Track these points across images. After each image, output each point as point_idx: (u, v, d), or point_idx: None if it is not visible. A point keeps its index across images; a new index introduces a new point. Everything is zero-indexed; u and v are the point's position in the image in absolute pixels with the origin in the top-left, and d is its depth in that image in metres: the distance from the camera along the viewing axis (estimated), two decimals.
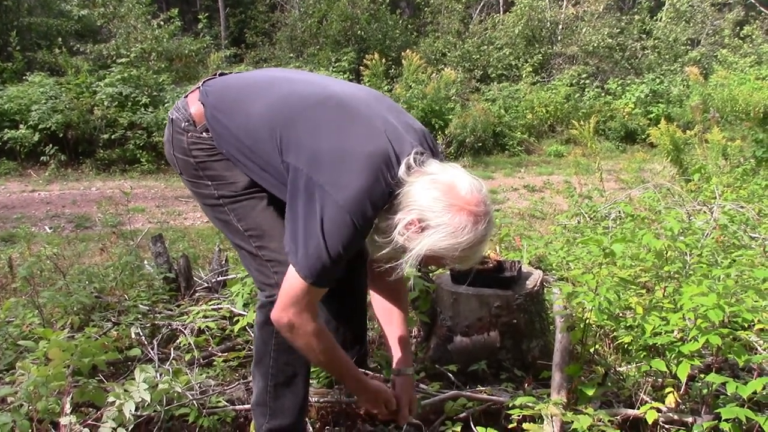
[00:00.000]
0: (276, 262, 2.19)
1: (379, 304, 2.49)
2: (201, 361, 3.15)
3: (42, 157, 12.39)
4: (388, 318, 2.46)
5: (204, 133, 2.22)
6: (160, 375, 2.68)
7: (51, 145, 12.40)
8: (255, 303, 3.21)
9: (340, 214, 1.91)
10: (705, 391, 2.44)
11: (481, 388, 2.73)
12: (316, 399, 2.65)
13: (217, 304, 3.70)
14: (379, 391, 2.33)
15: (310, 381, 2.50)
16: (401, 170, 1.95)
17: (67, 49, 16.21)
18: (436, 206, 1.89)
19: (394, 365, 2.43)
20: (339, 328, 2.69)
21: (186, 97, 2.31)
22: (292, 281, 2.01)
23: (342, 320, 2.71)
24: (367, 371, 2.83)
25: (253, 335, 3.16)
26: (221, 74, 2.40)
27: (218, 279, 4.14)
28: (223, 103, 2.21)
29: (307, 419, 2.53)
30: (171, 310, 3.76)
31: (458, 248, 1.90)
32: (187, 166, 2.27)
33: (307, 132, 2.03)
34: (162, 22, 17.44)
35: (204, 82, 2.32)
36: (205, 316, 3.52)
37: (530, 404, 2.29)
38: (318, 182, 1.93)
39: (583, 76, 20.09)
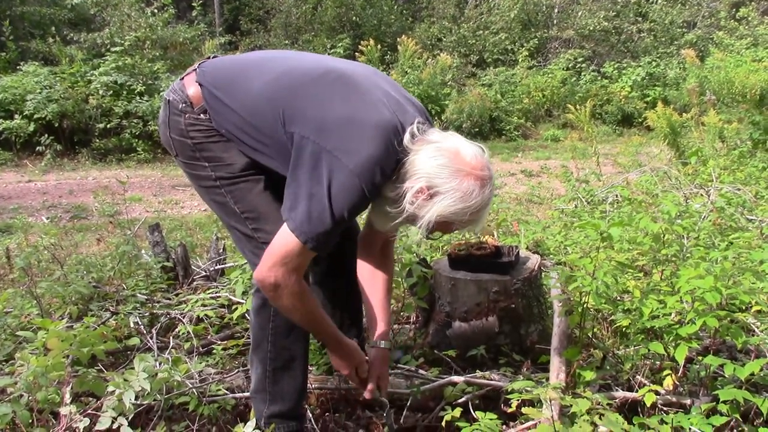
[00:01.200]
0: None
1: (365, 272, 2.49)
2: (200, 349, 3.16)
3: (38, 147, 12.35)
4: (372, 287, 2.48)
5: (201, 115, 2.22)
6: (160, 364, 2.68)
7: (46, 135, 12.37)
8: (252, 288, 3.23)
9: (349, 179, 1.93)
10: (703, 373, 2.44)
11: (480, 373, 2.74)
12: (315, 386, 2.66)
13: (216, 292, 3.70)
14: (354, 354, 2.33)
15: (309, 368, 2.51)
16: (406, 138, 2.00)
17: (61, 38, 16.14)
18: (444, 173, 1.95)
19: (370, 336, 2.44)
20: (335, 311, 2.69)
21: (182, 79, 2.30)
22: (285, 241, 2.00)
23: (338, 304, 2.71)
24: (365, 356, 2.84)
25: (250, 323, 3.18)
26: (215, 57, 2.41)
27: (216, 267, 4.14)
28: (222, 82, 2.22)
29: (306, 406, 2.53)
30: (169, 299, 3.76)
31: (467, 212, 1.97)
32: (184, 147, 2.26)
33: (312, 103, 2.05)
34: (156, 10, 17.33)
35: (199, 64, 2.32)
36: (203, 305, 3.52)
37: (529, 388, 2.30)
38: (326, 148, 1.96)
39: (579, 59, 20.05)
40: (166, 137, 2.32)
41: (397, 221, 2.06)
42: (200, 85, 2.23)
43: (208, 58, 2.40)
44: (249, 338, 3.15)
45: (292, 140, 2.03)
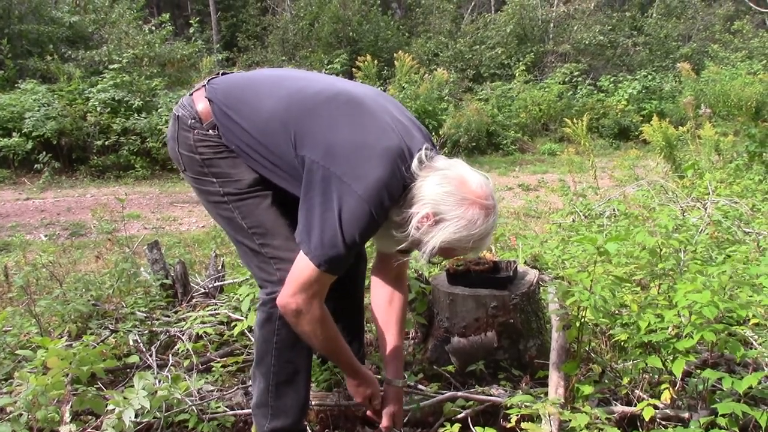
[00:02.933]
0: (278, 260, 2.21)
1: (379, 299, 2.53)
2: (199, 366, 3.15)
3: (36, 165, 12.37)
4: (386, 316, 2.52)
5: (210, 131, 2.24)
6: (159, 381, 2.68)
7: (44, 153, 12.39)
8: (256, 303, 3.23)
9: (358, 204, 1.98)
10: (701, 386, 2.45)
11: (479, 388, 2.74)
12: (315, 402, 2.66)
13: (215, 309, 3.70)
14: (369, 382, 2.39)
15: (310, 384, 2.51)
16: (414, 164, 2.05)
17: (59, 56, 16.21)
18: (450, 200, 2.00)
19: (386, 373, 2.48)
20: (338, 326, 2.69)
21: (191, 94, 2.32)
22: (303, 268, 2.05)
23: (341, 318, 2.72)
24: None
25: (252, 339, 3.18)
26: (224, 74, 2.43)
27: (215, 284, 4.14)
28: (232, 100, 2.24)
29: (306, 422, 2.53)
30: (168, 317, 3.76)
31: (471, 240, 2.02)
32: (192, 163, 2.28)
33: (322, 126, 2.09)
34: (153, 27, 17.46)
35: (209, 80, 2.34)
36: (202, 322, 3.52)
37: (528, 403, 2.30)
38: (335, 173, 2.00)
39: (576, 73, 20.13)
40: (174, 152, 2.33)
41: (402, 245, 2.11)
42: (210, 101, 2.25)
43: (217, 74, 2.42)
44: (249, 355, 3.17)
45: (303, 163, 2.07)
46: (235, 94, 2.26)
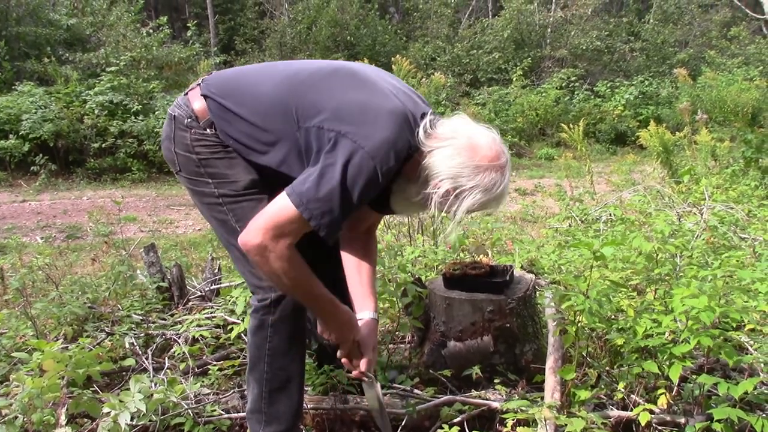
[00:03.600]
0: None
1: (350, 257, 2.49)
2: (196, 369, 3.15)
3: (32, 167, 12.37)
4: (357, 269, 2.47)
5: (207, 130, 2.22)
6: (155, 384, 2.68)
7: (41, 155, 12.39)
8: (250, 309, 3.23)
9: (365, 160, 1.95)
10: (697, 392, 2.45)
11: (476, 393, 2.75)
12: (311, 406, 2.65)
13: (211, 312, 3.70)
14: (352, 321, 2.28)
15: (305, 387, 2.50)
16: (420, 134, 2.06)
17: (56, 59, 16.21)
18: (465, 171, 2.03)
19: (356, 311, 2.38)
20: None
21: (186, 94, 2.31)
22: (282, 209, 1.98)
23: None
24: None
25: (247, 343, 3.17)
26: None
27: (211, 287, 4.14)
28: (228, 89, 2.23)
29: (302, 426, 2.53)
30: (164, 320, 3.75)
31: (493, 201, 2.08)
32: (188, 163, 2.26)
33: (326, 96, 2.09)
34: (151, 30, 17.46)
35: (203, 79, 2.33)
36: (198, 325, 3.52)
37: (524, 408, 2.30)
38: (342, 132, 1.98)
39: (573, 78, 20.17)
40: (170, 153, 2.31)
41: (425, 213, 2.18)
42: (205, 97, 2.24)
43: (210, 72, 2.42)
44: (245, 359, 3.16)
45: (308, 135, 2.06)
46: (231, 85, 2.26)
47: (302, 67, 2.24)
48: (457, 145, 2.04)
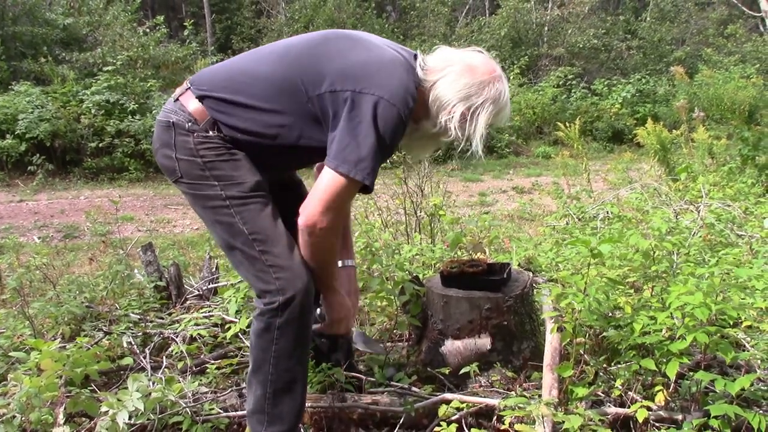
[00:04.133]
0: (278, 268, 2.20)
1: None
2: (193, 368, 3.15)
3: (29, 167, 12.35)
4: None
5: (210, 132, 2.23)
6: (153, 383, 2.68)
7: (38, 155, 12.37)
8: (249, 310, 3.23)
9: (389, 109, 2.10)
10: (694, 388, 2.46)
11: (473, 390, 2.75)
12: (309, 404, 2.65)
13: (209, 311, 3.70)
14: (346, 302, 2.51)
15: None
16: (419, 72, 2.23)
17: (53, 58, 16.18)
18: (472, 90, 2.20)
19: (339, 260, 2.55)
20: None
21: (176, 100, 2.30)
22: (332, 183, 2.11)
23: None
24: (358, 374, 2.85)
25: (248, 342, 3.18)
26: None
27: (209, 286, 4.14)
28: (222, 83, 2.26)
29: (301, 424, 2.53)
30: (162, 319, 3.75)
31: (504, 109, 2.27)
32: (191, 167, 2.24)
33: (326, 61, 2.19)
34: (148, 30, 17.45)
35: (189, 82, 2.32)
36: (196, 324, 3.52)
37: (522, 405, 2.31)
38: (356, 90, 2.10)
39: (570, 77, 20.18)
40: (169, 160, 2.28)
41: (440, 147, 2.43)
42: (201, 98, 2.24)
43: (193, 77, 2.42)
44: (243, 357, 3.17)
45: (321, 102, 2.15)
46: (222, 77, 2.28)
47: (291, 44, 2.32)
48: (456, 71, 2.20)
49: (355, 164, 2.08)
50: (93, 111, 13.15)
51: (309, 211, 2.14)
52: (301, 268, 2.24)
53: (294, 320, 2.22)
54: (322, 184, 2.13)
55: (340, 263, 2.53)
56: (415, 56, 2.29)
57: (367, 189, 2.17)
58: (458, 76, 2.20)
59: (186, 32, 19.02)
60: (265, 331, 2.24)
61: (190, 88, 2.29)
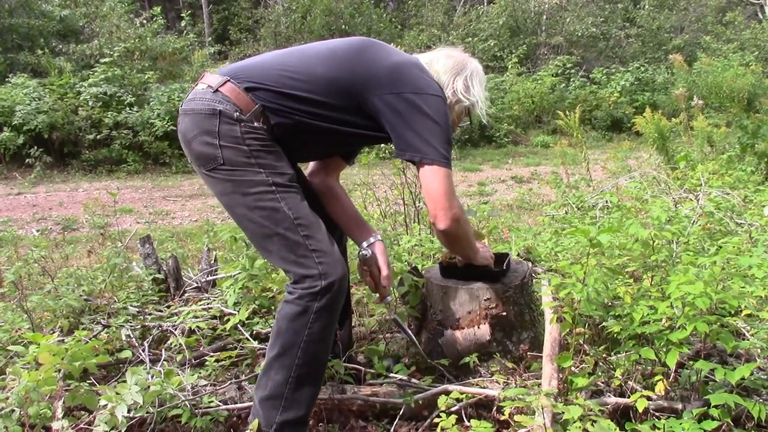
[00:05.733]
0: (321, 252, 2.28)
1: (338, 204, 2.78)
2: (192, 361, 3.15)
3: (27, 160, 12.34)
4: (349, 209, 2.79)
5: (255, 123, 2.31)
6: (152, 376, 2.67)
7: (36, 147, 12.35)
8: (248, 302, 3.22)
9: (439, 102, 2.40)
10: (694, 378, 2.46)
11: (473, 381, 2.75)
12: None
13: (207, 303, 3.69)
14: (484, 250, 2.87)
15: None
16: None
17: (50, 50, 16.13)
18: (460, 65, 2.62)
19: (362, 240, 2.67)
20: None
21: (216, 90, 2.33)
22: (439, 179, 2.36)
23: None
24: (357, 366, 2.85)
25: (247, 334, 3.18)
26: (233, 63, 2.54)
27: (208, 278, 4.13)
28: (273, 77, 2.37)
29: None
30: (161, 311, 3.74)
31: (483, 76, 2.71)
32: (236, 154, 2.29)
33: (372, 67, 2.40)
34: (145, 21, 17.39)
35: (228, 75, 2.38)
36: (195, 317, 3.51)
37: (522, 396, 2.30)
38: (406, 91, 2.36)
39: (568, 65, 20.14)
40: (211, 147, 2.30)
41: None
42: (250, 90, 2.33)
43: (211, 72, 2.49)
44: (242, 350, 3.16)
45: (375, 105, 2.37)
46: (276, 73, 2.39)
47: (333, 47, 2.49)
48: (440, 56, 2.64)
49: (442, 154, 2.34)
50: (90, 103, 13.12)
51: (442, 214, 2.40)
52: (340, 256, 2.36)
53: (331, 306, 2.29)
54: (432, 184, 2.37)
55: (366, 241, 2.65)
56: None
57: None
58: (445, 58, 2.61)
59: (183, 23, 18.97)
60: (302, 314, 2.27)
61: (230, 80, 2.34)
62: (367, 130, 2.45)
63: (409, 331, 2.88)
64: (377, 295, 2.67)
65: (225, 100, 2.31)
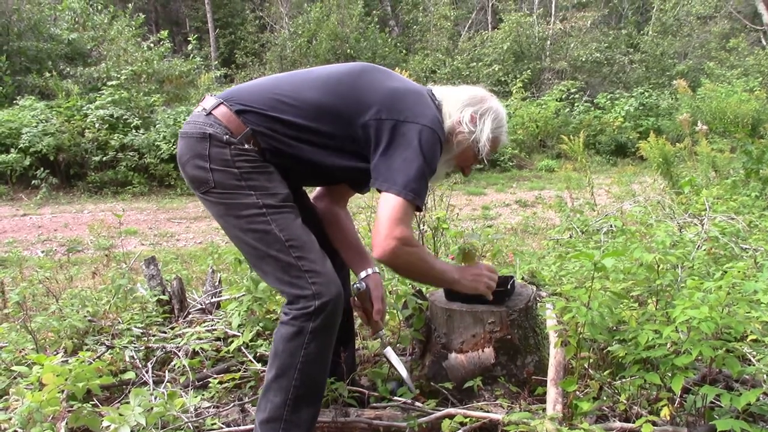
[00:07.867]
0: (314, 273, 2.28)
1: (339, 232, 2.77)
2: (196, 383, 3.14)
3: (33, 181, 12.39)
4: (350, 238, 2.79)
5: (246, 144, 2.31)
6: (155, 398, 2.67)
7: (42, 169, 12.41)
8: (252, 324, 3.22)
9: (431, 134, 2.32)
10: (699, 403, 2.44)
11: (477, 405, 2.73)
12: None
13: (211, 325, 3.69)
14: (479, 268, 2.74)
15: None
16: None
17: (58, 73, 16.25)
18: (476, 100, 2.54)
19: (359, 271, 2.69)
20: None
21: (209, 114, 2.35)
22: (392, 206, 2.26)
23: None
24: (360, 389, 2.84)
25: (250, 356, 3.17)
26: (229, 89, 2.53)
27: (212, 300, 4.13)
28: (264, 100, 2.36)
29: None
30: (165, 333, 3.74)
31: (502, 120, 2.59)
32: (226, 177, 2.30)
33: (368, 92, 2.38)
34: (152, 44, 17.52)
35: (224, 98, 2.39)
36: (199, 338, 3.50)
37: (526, 420, 2.29)
38: (400, 119, 2.32)
39: (572, 90, 20.21)
40: (203, 171, 2.32)
41: (451, 167, 2.63)
42: (240, 112, 2.33)
43: (213, 93, 2.48)
44: (246, 371, 3.15)
45: (365, 129, 2.33)
46: (266, 96, 2.38)
47: (330, 72, 2.47)
48: (457, 89, 2.57)
49: (405, 186, 2.24)
50: (97, 125, 13.20)
51: (379, 240, 2.28)
52: (335, 274, 2.34)
53: (326, 326, 2.29)
54: (380, 211, 2.29)
55: (364, 272, 2.67)
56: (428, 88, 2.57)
57: (417, 208, 2.34)
58: (462, 91, 2.55)
59: (190, 47, 19.11)
60: (297, 335, 2.27)
61: (223, 102, 2.36)
62: (356, 161, 2.41)
63: (401, 366, 2.78)
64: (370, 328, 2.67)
65: (216, 123, 2.32)
